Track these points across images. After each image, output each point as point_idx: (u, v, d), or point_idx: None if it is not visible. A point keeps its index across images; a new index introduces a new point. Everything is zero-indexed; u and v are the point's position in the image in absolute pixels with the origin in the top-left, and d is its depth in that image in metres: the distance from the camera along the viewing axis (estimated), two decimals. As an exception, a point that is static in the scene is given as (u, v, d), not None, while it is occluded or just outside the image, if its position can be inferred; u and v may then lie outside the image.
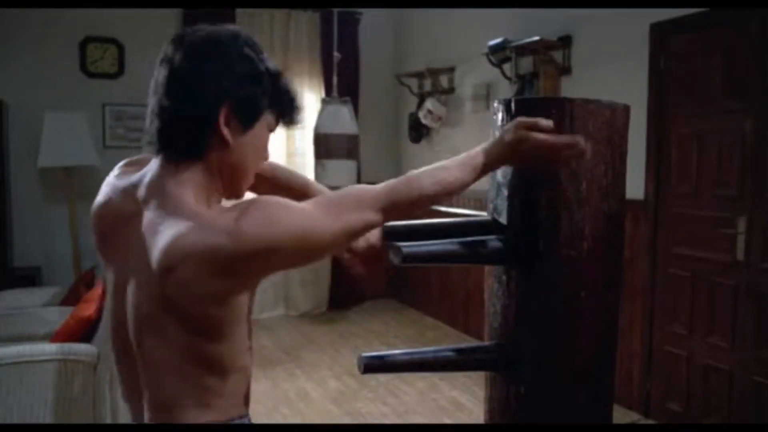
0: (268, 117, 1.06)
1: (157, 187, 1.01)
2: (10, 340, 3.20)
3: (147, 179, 1.04)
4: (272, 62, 1.07)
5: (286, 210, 0.97)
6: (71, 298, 3.74)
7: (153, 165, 1.05)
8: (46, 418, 2.60)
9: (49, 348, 2.66)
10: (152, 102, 1.03)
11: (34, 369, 2.59)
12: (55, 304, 3.87)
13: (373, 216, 1.01)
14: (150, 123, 1.03)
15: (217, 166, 1.03)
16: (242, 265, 0.94)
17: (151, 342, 1.01)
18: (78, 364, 2.66)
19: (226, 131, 1.00)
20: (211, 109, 0.99)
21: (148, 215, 1.00)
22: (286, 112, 1.09)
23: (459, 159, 1.10)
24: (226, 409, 1.04)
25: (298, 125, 1.13)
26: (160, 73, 1.02)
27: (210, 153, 1.02)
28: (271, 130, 1.09)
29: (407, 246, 1.01)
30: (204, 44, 1.02)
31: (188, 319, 0.97)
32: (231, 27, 1.07)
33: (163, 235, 0.95)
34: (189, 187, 1.00)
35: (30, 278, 4.66)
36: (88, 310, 2.87)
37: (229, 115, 1.00)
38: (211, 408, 1.03)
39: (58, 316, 3.42)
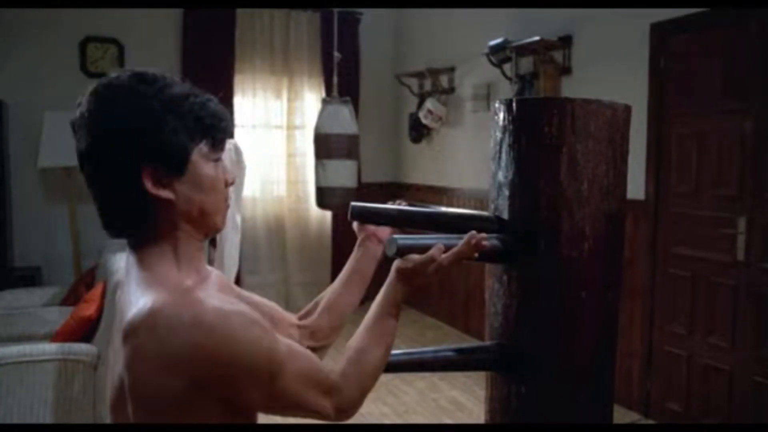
0: (201, 149, 0.93)
1: (131, 278, 0.93)
2: (11, 339, 3.20)
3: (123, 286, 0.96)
4: (178, 86, 0.94)
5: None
6: (71, 298, 3.74)
7: (126, 258, 0.99)
8: (46, 418, 2.60)
9: (49, 348, 2.66)
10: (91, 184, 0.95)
11: (34, 369, 2.59)
12: (55, 304, 3.87)
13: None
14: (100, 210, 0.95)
15: (174, 224, 0.93)
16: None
17: None
18: (78, 364, 2.67)
19: (160, 191, 0.90)
20: (132, 178, 0.89)
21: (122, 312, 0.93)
22: (216, 133, 0.95)
23: (375, 315, 1.10)
24: None
25: (229, 138, 1.00)
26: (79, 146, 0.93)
27: (159, 216, 0.92)
28: (215, 159, 0.96)
29: (402, 238, 1.01)
30: (91, 111, 0.90)
31: None
32: (112, 74, 0.93)
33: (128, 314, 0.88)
34: (165, 262, 0.92)
35: (30, 278, 4.66)
36: (88, 309, 2.87)
37: (154, 173, 0.89)
38: None
39: (58, 316, 3.42)
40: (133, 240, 0.94)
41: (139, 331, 0.83)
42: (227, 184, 0.99)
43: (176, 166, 0.91)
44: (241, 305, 0.88)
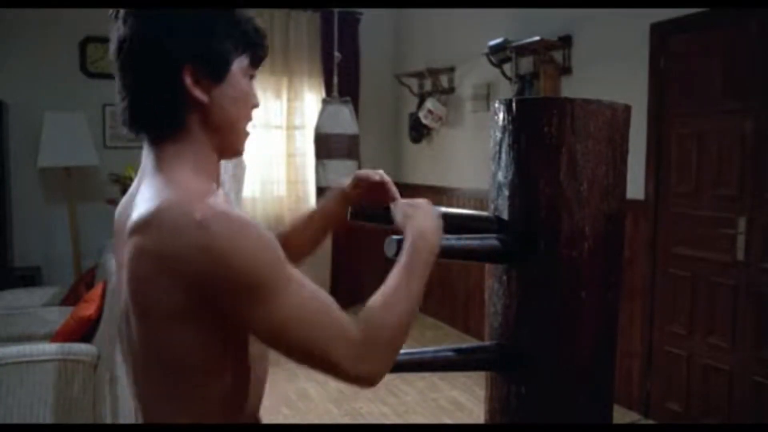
0: (242, 61, 0.94)
1: (149, 172, 0.92)
2: (10, 340, 3.20)
3: (138, 178, 0.96)
4: None
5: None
6: (71, 298, 3.74)
7: (143, 160, 0.96)
8: (46, 418, 2.60)
9: (49, 348, 2.66)
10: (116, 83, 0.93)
11: (34, 369, 2.59)
12: (55, 304, 3.87)
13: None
14: (119, 106, 0.93)
15: (201, 130, 0.92)
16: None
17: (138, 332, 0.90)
18: (78, 364, 2.67)
19: (197, 91, 0.90)
20: (173, 73, 0.89)
21: (136, 200, 0.91)
22: (258, 50, 0.97)
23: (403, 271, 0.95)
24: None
25: (264, 58, 0.99)
26: (111, 49, 0.92)
27: (189, 118, 0.91)
28: (251, 75, 0.97)
29: (402, 239, 1.00)
30: (143, 7, 0.89)
31: None
32: None
33: (141, 207, 0.87)
34: (182, 164, 0.90)
35: (30, 278, 4.66)
36: (88, 309, 2.87)
37: (195, 73, 0.89)
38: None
39: (58, 316, 3.42)
40: (155, 136, 0.93)
41: (144, 229, 0.82)
42: (254, 107, 1.00)
43: (217, 72, 0.91)
44: (253, 220, 0.86)
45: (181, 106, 0.90)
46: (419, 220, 1.01)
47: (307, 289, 0.86)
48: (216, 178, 0.97)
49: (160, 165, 0.91)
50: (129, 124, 0.93)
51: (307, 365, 0.88)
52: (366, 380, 0.90)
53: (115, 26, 0.91)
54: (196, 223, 0.79)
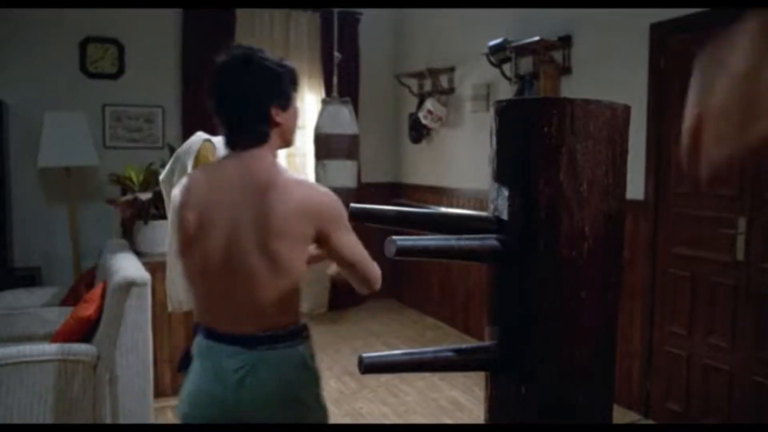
0: (293, 94, 1.66)
1: (257, 166, 1.57)
2: (10, 340, 3.20)
3: (239, 168, 1.58)
4: (278, 58, 1.66)
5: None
6: (71, 298, 3.73)
7: (227, 162, 1.62)
8: (46, 418, 2.60)
9: (49, 348, 2.66)
10: (234, 109, 1.60)
11: (34, 369, 2.60)
12: (55, 304, 3.86)
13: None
14: (232, 126, 1.60)
15: (277, 138, 1.63)
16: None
17: (258, 263, 1.52)
18: (78, 364, 2.67)
19: (279, 118, 1.60)
20: (267, 109, 1.59)
21: (266, 184, 1.53)
22: (298, 86, 1.69)
23: None
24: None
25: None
26: (237, 90, 1.59)
27: (271, 133, 1.61)
28: (296, 102, 1.67)
29: (402, 239, 1.01)
30: (245, 66, 1.61)
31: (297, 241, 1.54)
32: (246, 48, 1.67)
33: (304, 193, 1.55)
34: (269, 157, 1.61)
35: (30, 278, 4.66)
36: (88, 310, 2.87)
37: (276, 108, 1.59)
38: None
39: (58, 316, 3.42)
40: (254, 145, 1.59)
41: (333, 200, 1.60)
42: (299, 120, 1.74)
43: (285, 105, 1.62)
44: None
45: (269, 127, 1.61)
46: None
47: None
48: None
49: (265, 164, 1.59)
50: (237, 140, 1.61)
51: (357, 267, 1.63)
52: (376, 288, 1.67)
53: (234, 76, 1.62)
54: (335, 196, 1.62)
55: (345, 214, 1.54)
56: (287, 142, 1.66)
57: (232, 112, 1.58)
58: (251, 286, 1.51)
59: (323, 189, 1.60)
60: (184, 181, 1.66)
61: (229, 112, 1.59)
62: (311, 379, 1.61)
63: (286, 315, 1.57)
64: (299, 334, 1.60)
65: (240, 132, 1.58)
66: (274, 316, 1.54)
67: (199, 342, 1.59)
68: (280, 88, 1.59)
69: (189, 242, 1.57)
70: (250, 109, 1.57)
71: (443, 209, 1.10)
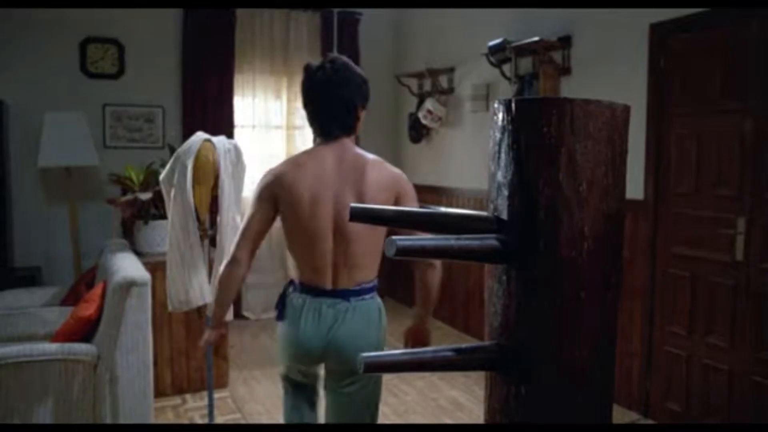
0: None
1: (347, 150, 2.03)
2: (11, 340, 3.20)
3: (335, 152, 2.02)
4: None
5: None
6: (71, 298, 3.73)
7: (324, 148, 2.04)
8: (46, 418, 2.60)
9: (50, 348, 2.66)
10: (331, 105, 2.03)
11: (35, 369, 2.60)
12: (56, 304, 3.86)
13: None
14: (330, 119, 2.03)
15: (356, 128, 2.10)
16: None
17: (355, 228, 1.93)
18: (78, 364, 2.67)
19: (361, 114, 2.09)
20: (356, 107, 2.06)
21: (356, 164, 1.99)
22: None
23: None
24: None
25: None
26: (334, 90, 2.01)
27: (356, 127, 2.10)
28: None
29: (401, 240, 1.01)
30: (344, 73, 2.05)
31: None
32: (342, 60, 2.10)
33: (384, 170, 2.02)
34: (354, 143, 2.09)
35: (30, 278, 4.66)
36: (88, 309, 2.87)
37: (360, 106, 2.07)
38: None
39: (58, 316, 3.42)
40: (344, 134, 2.05)
41: (405, 177, 2.07)
42: None
43: (365, 105, 2.09)
44: None
45: (356, 121, 2.10)
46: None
47: None
48: None
49: (355, 150, 2.06)
50: (333, 130, 2.04)
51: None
52: None
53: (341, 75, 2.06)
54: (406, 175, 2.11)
55: (413, 188, 2.07)
56: (357, 133, 2.13)
57: (331, 108, 2.00)
58: (354, 247, 1.96)
59: (397, 168, 2.07)
60: (281, 167, 2.04)
61: (327, 108, 2.01)
62: (381, 323, 2.13)
63: (371, 271, 2.05)
64: (377, 289, 2.10)
65: (335, 124, 2.02)
66: (365, 271, 2.01)
67: (299, 297, 2.05)
68: (364, 92, 2.06)
69: (305, 216, 1.95)
70: (346, 107, 2.01)
71: (443, 209, 1.10)
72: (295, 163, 2.04)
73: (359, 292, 2.03)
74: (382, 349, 2.10)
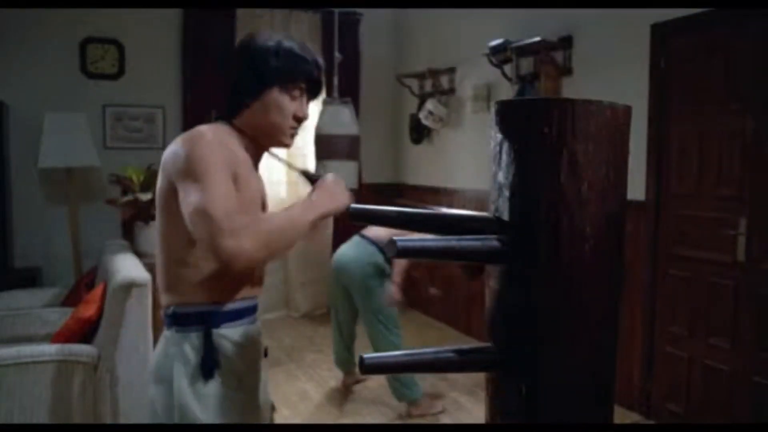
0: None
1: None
2: (11, 340, 3.20)
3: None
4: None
5: None
6: (71, 299, 3.73)
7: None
8: (46, 418, 2.60)
9: (49, 349, 2.66)
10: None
11: (35, 370, 2.59)
12: (56, 304, 3.86)
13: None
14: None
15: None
16: None
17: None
18: (78, 365, 2.66)
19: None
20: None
21: None
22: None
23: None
24: None
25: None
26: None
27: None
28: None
29: (402, 240, 1.01)
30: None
31: None
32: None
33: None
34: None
35: (30, 279, 4.65)
36: (88, 310, 2.86)
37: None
38: None
39: (58, 317, 3.42)
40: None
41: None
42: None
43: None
44: None
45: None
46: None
47: None
48: None
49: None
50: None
51: None
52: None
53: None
54: None
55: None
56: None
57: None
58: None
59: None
60: None
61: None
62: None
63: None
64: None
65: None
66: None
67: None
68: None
69: None
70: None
71: (444, 210, 1.10)
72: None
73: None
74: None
